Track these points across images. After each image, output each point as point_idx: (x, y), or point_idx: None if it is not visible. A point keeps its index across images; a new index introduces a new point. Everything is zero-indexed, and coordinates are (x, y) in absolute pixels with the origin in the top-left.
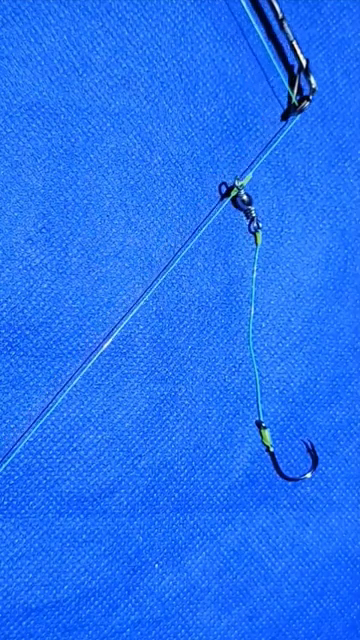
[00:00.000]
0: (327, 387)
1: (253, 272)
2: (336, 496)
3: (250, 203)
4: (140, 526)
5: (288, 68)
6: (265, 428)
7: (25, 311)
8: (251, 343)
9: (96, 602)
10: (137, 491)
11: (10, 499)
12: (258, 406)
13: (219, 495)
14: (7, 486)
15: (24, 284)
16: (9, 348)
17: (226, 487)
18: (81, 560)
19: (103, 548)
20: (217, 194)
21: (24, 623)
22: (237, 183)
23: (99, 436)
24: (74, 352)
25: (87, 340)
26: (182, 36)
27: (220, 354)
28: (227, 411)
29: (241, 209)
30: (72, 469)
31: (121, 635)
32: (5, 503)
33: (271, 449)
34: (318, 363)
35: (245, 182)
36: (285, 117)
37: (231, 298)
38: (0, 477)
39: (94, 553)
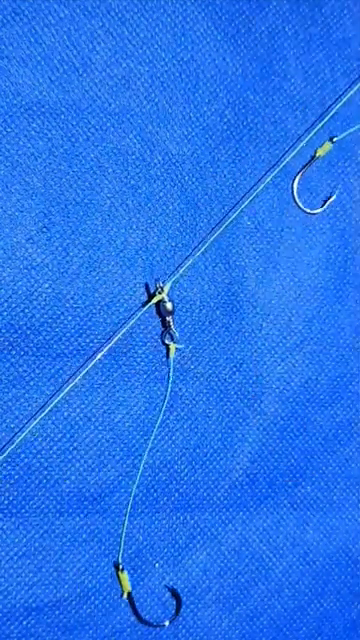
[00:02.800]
0: (328, 387)
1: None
2: (336, 496)
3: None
4: (140, 526)
5: None
6: (123, 571)
7: (26, 311)
8: None
9: (96, 601)
10: (137, 491)
11: (10, 499)
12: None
13: (219, 495)
14: (7, 486)
15: (25, 284)
16: (10, 348)
17: (226, 487)
18: (81, 559)
19: (103, 547)
20: (218, 196)
21: (24, 622)
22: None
23: (99, 436)
24: (75, 352)
25: (88, 340)
26: (182, 36)
27: (221, 354)
28: (227, 411)
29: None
30: (72, 469)
31: (121, 635)
32: (5, 503)
33: (125, 595)
34: (319, 363)
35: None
36: None
37: (232, 298)
38: (0, 477)
39: (94, 553)
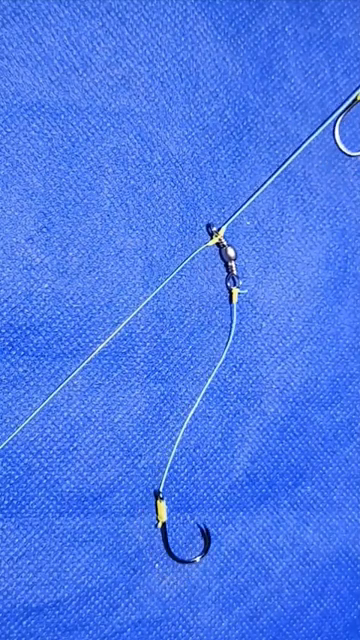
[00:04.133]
0: (327, 387)
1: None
2: (337, 496)
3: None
4: (140, 526)
5: None
6: (162, 500)
7: (26, 311)
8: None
9: (96, 602)
10: (137, 491)
11: (10, 499)
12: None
13: (219, 495)
14: (7, 486)
15: (25, 284)
16: (9, 348)
17: (226, 487)
18: (81, 560)
19: (103, 548)
20: (218, 197)
21: (24, 623)
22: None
23: (99, 436)
24: (74, 352)
25: (87, 340)
26: (182, 36)
27: (220, 354)
28: (227, 411)
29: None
30: (72, 469)
31: (122, 635)
32: (5, 503)
33: (159, 524)
34: (318, 363)
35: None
36: None
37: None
38: (0, 477)
39: (94, 553)
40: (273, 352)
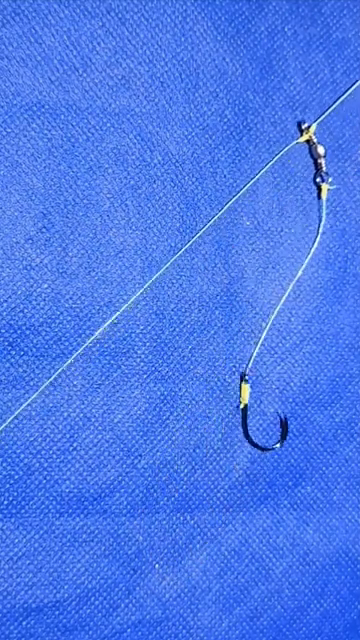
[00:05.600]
0: (327, 387)
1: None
2: (337, 496)
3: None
4: (140, 526)
5: None
6: (247, 382)
7: (25, 311)
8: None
9: (96, 602)
10: (137, 491)
11: (10, 499)
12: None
13: (219, 495)
14: (7, 486)
15: (24, 284)
16: (9, 348)
17: (226, 487)
18: (81, 560)
19: (103, 548)
20: (218, 197)
21: (24, 623)
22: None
23: (99, 436)
24: (74, 352)
25: (87, 340)
26: (182, 36)
27: (220, 354)
28: (227, 411)
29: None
30: (72, 469)
31: (121, 635)
32: (5, 503)
33: (242, 405)
34: (318, 363)
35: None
36: None
37: (231, 298)
38: (0, 477)
39: (94, 553)
40: (273, 352)
